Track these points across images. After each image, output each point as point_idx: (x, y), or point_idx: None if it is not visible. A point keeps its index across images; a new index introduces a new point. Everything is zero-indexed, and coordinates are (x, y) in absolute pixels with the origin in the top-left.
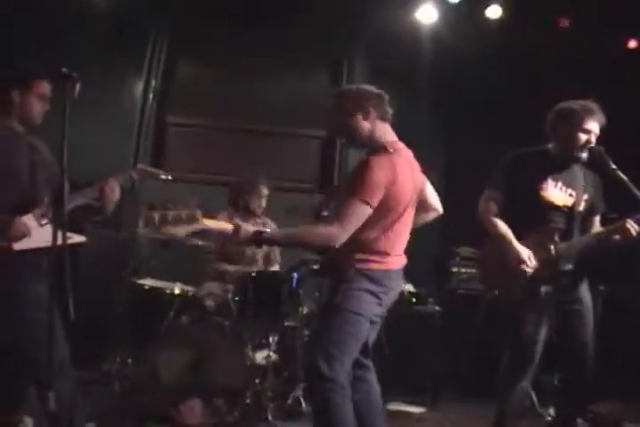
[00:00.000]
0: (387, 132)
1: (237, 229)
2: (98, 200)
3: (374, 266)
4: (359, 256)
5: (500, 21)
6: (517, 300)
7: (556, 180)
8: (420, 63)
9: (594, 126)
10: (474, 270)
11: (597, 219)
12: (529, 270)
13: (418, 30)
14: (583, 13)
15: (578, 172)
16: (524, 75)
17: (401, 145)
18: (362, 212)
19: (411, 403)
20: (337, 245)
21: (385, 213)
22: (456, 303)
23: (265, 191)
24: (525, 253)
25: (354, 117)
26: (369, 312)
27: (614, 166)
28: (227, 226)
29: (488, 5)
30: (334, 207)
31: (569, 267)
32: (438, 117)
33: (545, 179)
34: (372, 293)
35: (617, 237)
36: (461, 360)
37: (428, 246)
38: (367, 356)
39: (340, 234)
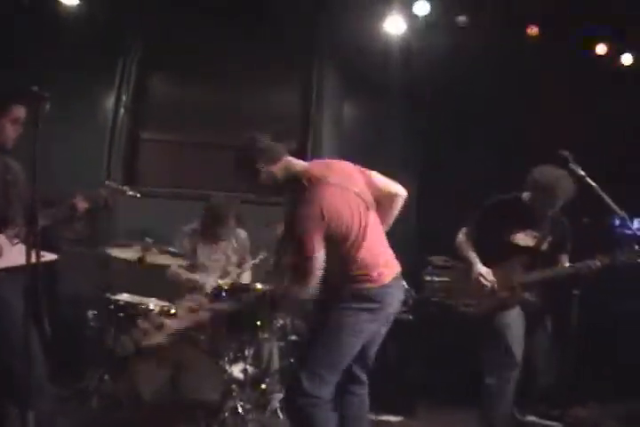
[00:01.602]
0: (291, 166)
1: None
2: (69, 219)
3: (369, 285)
4: (352, 277)
5: (468, 31)
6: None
7: (524, 226)
8: (390, 74)
9: (559, 202)
10: (447, 279)
11: (565, 257)
12: (487, 284)
13: (387, 41)
14: (553, 20)
15: (546, 217)
16: (494, 82)
17: (317, 166)
18: (314, 262)
19: (388, 412)
20: (308, 296)
21: (346, 238)
22: (429, 312)
23: (232, 222)
24: (484, 269)
25: (255, 174)
26: (362, 332)
27: (583, 173)
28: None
29: (456, 16)
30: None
31: (532, 299)
32: (410, 127)
33: (514, 226)
34: (367, 310)
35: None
36: (437, 368)
37: (402, 255)
38: (365, 369)
39: (304, 289)
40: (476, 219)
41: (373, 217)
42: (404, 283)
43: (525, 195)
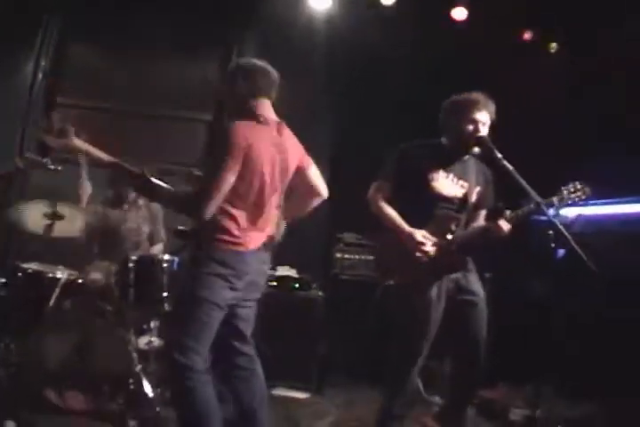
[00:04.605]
0: (256, 107)
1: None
2: None
3: (223, 247)
4: (207, 237)
5: (394, 9)
6: (413, 288)
7: (447, 171)
8: (312, 50)
9: (481, 116)
10: (357, 256)
11: (483, 213)
12: (429, 250)
13: (311, 16)
14: (480, 4)
15: (471, 164)
16: (418, 63)
17: (277, 122)
18: (226, 182)
19: (295, 388)
20: (203, 218)
21: (236, 187)
22: (339, 289)
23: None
24: (419, 233)
25: (230, 92)
26: (220, 298)
27: (500, 156)
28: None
29: None
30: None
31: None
32: (328, 103)
33: (436, 170)
34: (220, 276)
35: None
36: (345, 345)
37: (314, 232)
38: (245, 343)
39: (203, 207)
40: (388, 169)
41: (272, 188)
42: (268, 255)
43: (443, 138)
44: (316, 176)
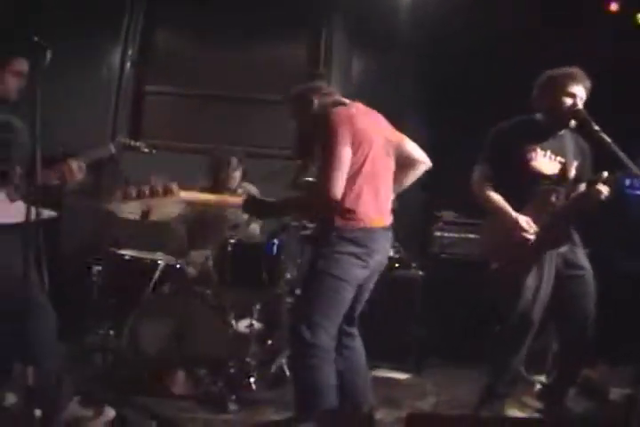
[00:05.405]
0: (339, 99)
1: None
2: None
3: (352, 226)
4: (338, 218)
5: None
6: (519, 268)
7: (545, 149)
8: (400, 34)
9: (578, 90)
10: (456, 235)
11: (583, 185)
12: (531, 237)
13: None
14: None
15: (568, 139)
16: (507, 43)
17: (360, 105)
18: (342, 156)
19: (395, 369)
20: (335, 196)
21: (354, 168)
22: (439, 268)
23: (234, 163)
24: (523, 219)
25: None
26: (353, 277)
27: (597, 128)
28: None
29: None
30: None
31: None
32: (420, 85)
33: (533, 149)
34: (354, 255)
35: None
36: (446, 325)
37: (411, 211)
38: (352, 324)
39: (330, 186)
40: (486, 152)
41: (384, 167)
42: (392, 234)
43: (538, 114)
44: (413, 147)
